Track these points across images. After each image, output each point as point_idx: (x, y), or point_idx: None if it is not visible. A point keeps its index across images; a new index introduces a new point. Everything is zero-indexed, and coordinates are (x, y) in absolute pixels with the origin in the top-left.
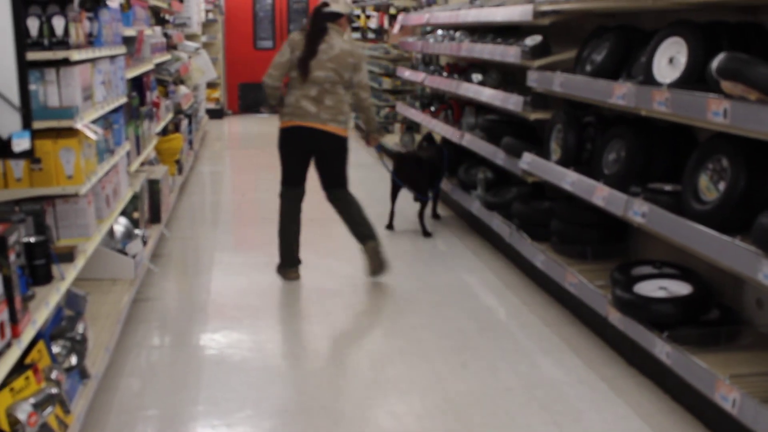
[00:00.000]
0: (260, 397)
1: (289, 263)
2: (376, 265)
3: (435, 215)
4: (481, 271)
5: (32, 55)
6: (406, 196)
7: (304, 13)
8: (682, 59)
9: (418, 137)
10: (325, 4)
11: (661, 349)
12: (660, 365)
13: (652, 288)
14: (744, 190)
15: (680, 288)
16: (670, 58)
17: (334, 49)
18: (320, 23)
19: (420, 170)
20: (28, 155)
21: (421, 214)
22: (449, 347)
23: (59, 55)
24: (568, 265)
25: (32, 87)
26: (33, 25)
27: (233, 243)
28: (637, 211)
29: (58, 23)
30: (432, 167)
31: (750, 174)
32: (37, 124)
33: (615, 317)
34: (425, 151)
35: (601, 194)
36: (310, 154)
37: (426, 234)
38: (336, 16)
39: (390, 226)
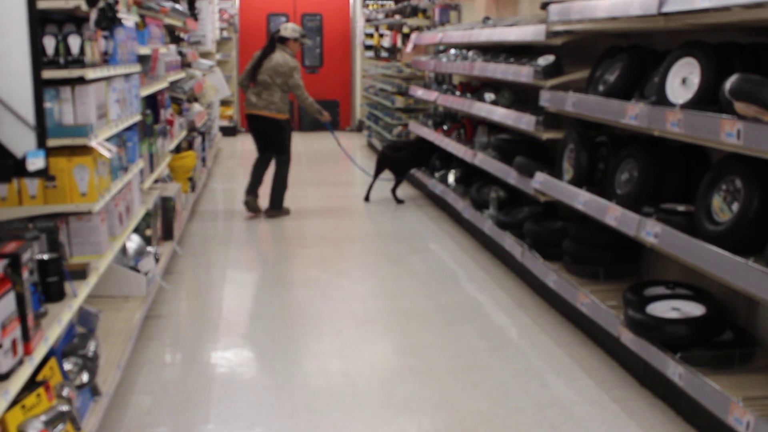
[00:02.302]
0: (270, 416)
1: (251, 193)
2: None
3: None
4: (493, 290)
5: (48, 74)
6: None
7: (318, 31)
8: (695, 80)
9: None
10: (278, 31)
11: (674, 370)
12: (673, 387)
13: (664, 309)
14: (757, 211)
15: (693, 309)
16: (683, 79)
17: (271, 62)
18: (271, 44)
19: (399, 157)
20: (43, 174)
21: (393, 190)
22: (460, 366)
23: (74, 73)
24: (580, 285)
25: (48, 105)
26: (49, 43)
27: (245, 261)
28: (650, 231)
29: (74, 42)
30: (412, 156)
31: (763, 195)
32: (52, 142)
33: (627, 338)
34: (405, 146)
35: (613, 214)
36: (259, 133)
37: (399, 201)
38: (284, 40)
39: (367, 198)
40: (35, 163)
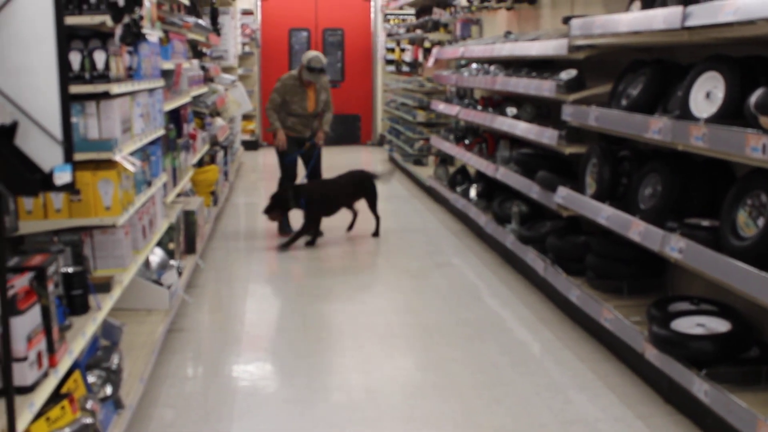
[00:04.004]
0: (292, 430)
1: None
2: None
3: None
4: (515, 305)
5: (74, 89)
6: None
7: (339, 46)
8: (719, 94)
9: (451, 170)
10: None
11: (699, 387)
12: (698, 404)
13: (689, 324)
14: None
15: (718, 325)
16: (707, 93)
17: None
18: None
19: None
20: (70, 188)
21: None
22: (482, 382)
23: (100, 88)
24: (603, 300)
25: (73, 120)
26: (75, 59)
27: (267, 274)
28: (674, 246)
29: (99, 57)
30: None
31: None
32: (77, 156)
33: (652, 354)
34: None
35: (637, 229)
36: None
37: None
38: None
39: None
40: (62, 177)
